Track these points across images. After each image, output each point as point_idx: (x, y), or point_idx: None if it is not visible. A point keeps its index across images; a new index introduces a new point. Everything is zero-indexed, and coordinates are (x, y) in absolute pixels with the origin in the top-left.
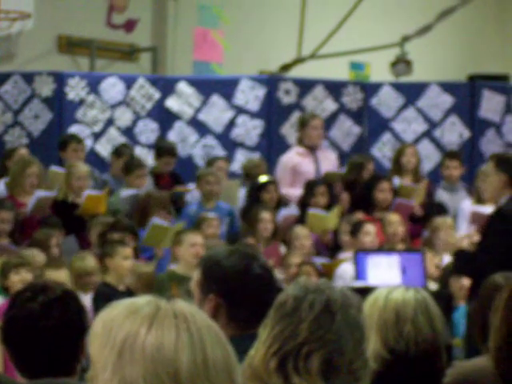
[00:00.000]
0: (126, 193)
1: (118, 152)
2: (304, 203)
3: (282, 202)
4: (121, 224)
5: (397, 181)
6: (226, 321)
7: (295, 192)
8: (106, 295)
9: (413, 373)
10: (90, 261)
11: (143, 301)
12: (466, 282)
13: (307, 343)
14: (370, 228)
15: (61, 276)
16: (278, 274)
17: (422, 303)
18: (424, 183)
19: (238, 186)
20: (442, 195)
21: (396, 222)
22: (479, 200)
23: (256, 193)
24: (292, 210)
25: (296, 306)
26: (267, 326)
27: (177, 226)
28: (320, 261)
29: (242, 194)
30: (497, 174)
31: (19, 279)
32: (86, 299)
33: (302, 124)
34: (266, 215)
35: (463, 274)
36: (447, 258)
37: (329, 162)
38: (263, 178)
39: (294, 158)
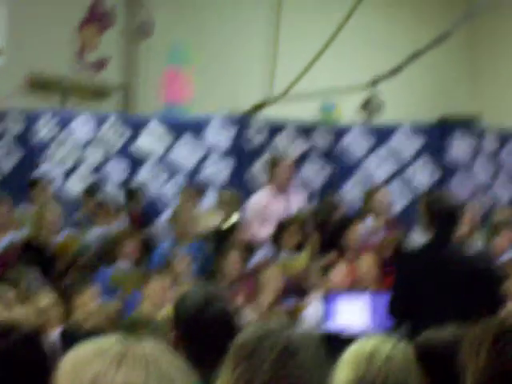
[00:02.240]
0: (96, 231)
1: (89, 191)
2: (276, 243)
3: (252, 242)
4: (82, 263)
5: (369, 221)
6: (185, 358)
7: (265, 232)
8: (72, 334)
9: None
10: (50, 298)
11: (111, 341)
12: None
13: (271, 383)
14: (341, 269)
15: (28, 312)
16: (249, 315)
17: (400, 350)
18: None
19: (213, 215)
20: (416, 236)
21: (368, 263)
22: None
23: (226, 233)
24: (267, 252)
25: (255, 348)
26: (228, 368)
27: (141, 269)
28: (290, 302)
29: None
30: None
31: None
32: (53, 336)
33: (273, 164)
34: (234, 256)
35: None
36: None
37: (298, 202)
38: (234, 218)
39: (264, 198)
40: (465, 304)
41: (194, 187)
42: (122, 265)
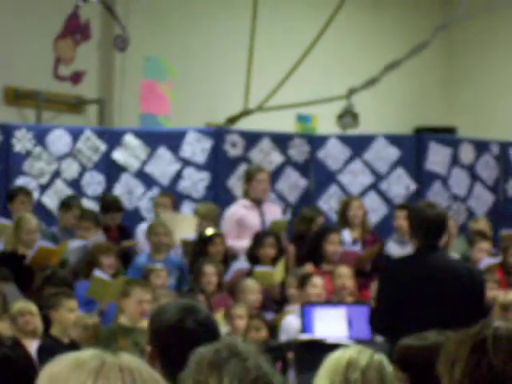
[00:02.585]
0: (73, 244)
1: (65, 205)
2: (253, 255)
3: (229, 255)
4: (57, 277)
5: (346, 234)
6: (161, 373)
7: (241, 244)
8: (50, 348)
9: None
10: (31, 307)
11: (88, 354)
12: None
13: None
14: (318, 281)
15: (6, 326)
16: (223, 327)
17: (377, 361)
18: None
19: (191, 220)
20: (392, 248)
21: (345, 275)
22: None
23: (202, 246)
24: (243, 264)
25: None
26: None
27: (118, 280)
28: (267, 315)
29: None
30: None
31: None
32: (30, 349)
33: (248, 177)
34: (209, 269)
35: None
36: None
37: (274, 215)
38: (209, 231)
39: (239, 210)
40: (451, 314)
41: (169, 196)
42: (96, 275)
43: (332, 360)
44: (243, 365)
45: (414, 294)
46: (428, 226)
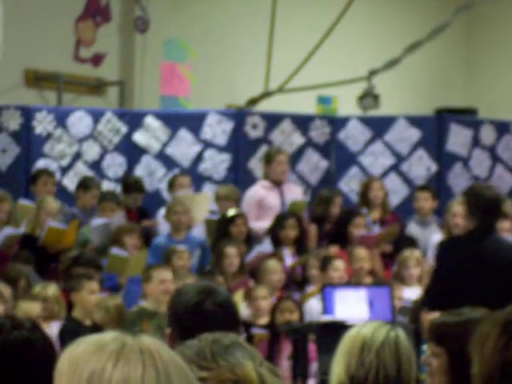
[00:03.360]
0: (96, 222)
1: (84, 185)
2: (274, 237)
3: (249, 236)
4: (84, 258)
5: (367, 214)
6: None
7: (261, 225)
8: (72, 331)
9: None
10: (52, 289)
11: (109, 337)
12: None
13: None
14: (340, 264)
15: (31, 308)
16: (245, 309)
17: (392, 339)
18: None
19: (209, 198)
20: (413, 229)
21: (362, 258)
22: (449, 233)
23: (224, 226)
24: (267, 247)
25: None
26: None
27: (138, 255)
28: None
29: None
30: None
31: None
32: (52, 329)
33: (268, 159)
34: (231, 250)
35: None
36: (416, 292)
37: (294, 196)
38: (231, 212)
39: (259, 191)
40: (500, 295)
41: (187, 176)
42: (113, 253)
43: (347, 341)
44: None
45: (465, 273)
46: (486, 208)
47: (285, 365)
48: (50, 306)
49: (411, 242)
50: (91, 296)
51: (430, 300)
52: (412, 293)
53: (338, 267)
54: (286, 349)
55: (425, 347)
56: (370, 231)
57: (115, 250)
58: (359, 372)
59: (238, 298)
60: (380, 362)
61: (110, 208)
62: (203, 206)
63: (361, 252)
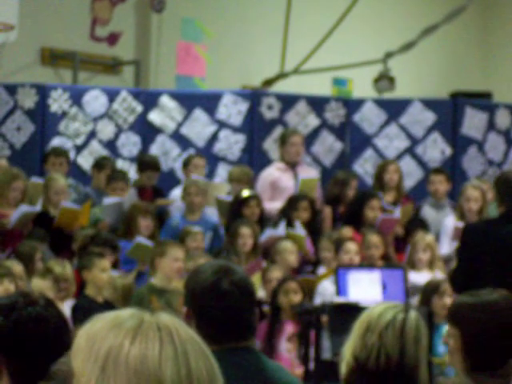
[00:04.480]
0: (108, 200)
1: (98, 165)
2: (287, 218)
3: (264, 217)
4: (100, 237)
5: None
6: (196, 333)
7: (275, 206)
8: (85, 308)
9: None
10: (67, 268)
11: (127, 313)
12: (448, 300)
13: None
14: (352, 246)
15: (46, 285)
16: (260, 291)
17: (398, 322)
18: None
19: (225, 187)
20: (427, 212)
21: (373, 245)
22: (462, 216)
23: (238, 207)
24: (279, 231)
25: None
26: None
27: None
28: (301, 277)
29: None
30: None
31: (2, 289)
32: (65, 307)
33: (282, 140)
34: (245, 230)
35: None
36: (427, 275)
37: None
38: (245, 193)
39: (273, 173)
40: None
41: (202, 158)
42: (139, 242)
43: (357, 322)
44: None
45: (492, 257)
46: None
47: (284, 346)
48: (64, 284)
49: (423, 225)
50: (103, 274)
51: (454, 282)
52: (421, 277)
53: (350, 250)
54: (287, 330)
55: (446, 327)
56: (391, 214)
57: (140, 239)
58: (362, 353)
59: (256, 280)
60: (382, 344)
61: (120, 187)
62: (218, 193)
63: (373, 238)
